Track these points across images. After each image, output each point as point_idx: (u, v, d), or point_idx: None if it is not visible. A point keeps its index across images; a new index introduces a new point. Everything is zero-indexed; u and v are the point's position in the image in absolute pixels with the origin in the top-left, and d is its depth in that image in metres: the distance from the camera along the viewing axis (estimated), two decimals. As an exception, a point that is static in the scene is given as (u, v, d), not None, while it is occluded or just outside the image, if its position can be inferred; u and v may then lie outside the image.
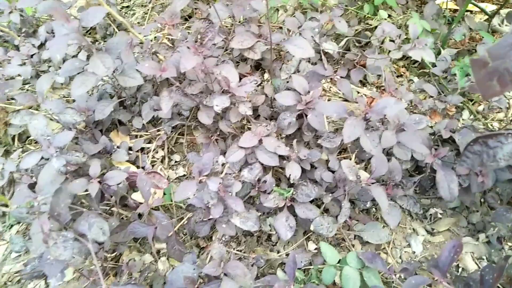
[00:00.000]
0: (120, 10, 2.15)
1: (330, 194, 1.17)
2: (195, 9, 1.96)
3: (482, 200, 1.24)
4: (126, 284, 0.94)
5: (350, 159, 1.28)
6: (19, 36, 1.79)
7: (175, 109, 1.42)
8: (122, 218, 1.24)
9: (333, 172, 1.22)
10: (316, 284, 1.05)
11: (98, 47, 1.82)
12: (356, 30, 1.77)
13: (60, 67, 1.71)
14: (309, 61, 1.55)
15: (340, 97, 1.62)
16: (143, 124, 1.43)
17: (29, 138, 1.56)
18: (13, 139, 1.55)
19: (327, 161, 1.26)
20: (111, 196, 1.16)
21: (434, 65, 1.57)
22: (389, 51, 1.39)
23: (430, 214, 1.26)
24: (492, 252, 1.15)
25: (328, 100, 1.61)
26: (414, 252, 1.19)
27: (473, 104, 1.55)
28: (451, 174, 1.05)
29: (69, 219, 0.89)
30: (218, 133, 1.34)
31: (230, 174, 1.13)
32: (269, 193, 1.14)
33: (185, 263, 0.99)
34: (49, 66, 1.73)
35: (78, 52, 1.74)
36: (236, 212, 1.03)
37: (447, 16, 1.79)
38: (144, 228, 1.06)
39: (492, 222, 1.15)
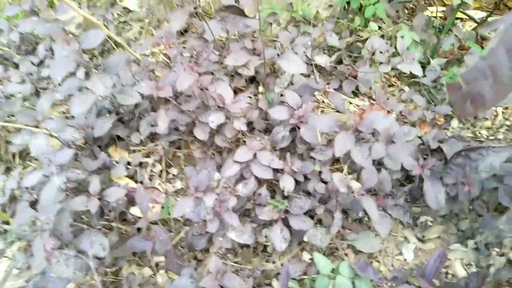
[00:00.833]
0: (117, 25, 2.20)
1: (323, 205, 1.20)
2: (191, 23, 2.01)
3: (470, 207, 1.27)
4: (127, 298, 0.97)
5: (343, 170, 1.32)
6: (18, 54, 1.83)
7: (172, 124, 1.46)
8: (122, 233, 1.28)
9: (326, 183, 1.26)
10: (310, 293, 1.08)
11: (96, 63, 1.86)
12: (348, 42, 1.82)
13: (59, 84, 1.75)
14: (302, 74, 1.60)
15: (333, 108, 1.67)
16: (141, 139, 1.47)
17: (30, 155, 1.60)
18: (13, 156, 1.59)
19: (320, 172, 1.30)
20: (111, 212, 1.20)
21: (424, 75, 1.62)
22: (380, 62, 1.44)
23: (421, 222, 1.30)
24: (480, 258, 1.19)
25: (322, 111, 1.65)
26: (405, 260, 1.23)
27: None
28: (438, 185, 1.09)
29: (71, 238, 0.93)
30: (214, 147, 1.38)
31: (226, 188, 1.17)
32: (264, 206, 1.18)
33: (183, 277, 1.03)
34: (48, 83, 1.77)
35: (76, 69, 1.78)
36: (232, 226, 1.07)
37: (437, 25, 1.83)
38: (143, 243, 1.09)
39: (480, 229, 1.19)
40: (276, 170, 1.22)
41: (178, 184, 1.47)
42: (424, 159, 1.20)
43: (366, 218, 1.31)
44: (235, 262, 1.24)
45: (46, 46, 1.86)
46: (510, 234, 1.13)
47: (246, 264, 1.24)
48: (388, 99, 1.62)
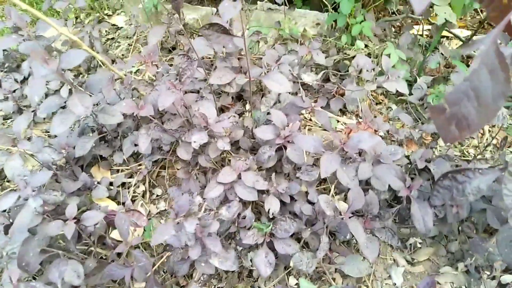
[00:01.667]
0: (105, 43, 2.18)
1: (310, 228, 1.17)
2: (178, 40, 2.00)
3: (459, 228, 1.25)
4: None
5: (330, 190, 1.29)
6: (1, 71, 1.80)
7: (155, 143, 1.43)
8: (101, 258, 1.23)
9: (313, 204, 1.23)
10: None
11: (81, 81, 1.83)
12: (335, 60, 1.82)
13: (42, 102, 1.71)
14: (290, 92, 1.58)
15: (320, 126, 1.65)
16: (124, 159, 1.43)
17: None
18: (-9, 176, 1.54)
19: (307, 193, 1.27)
20: (89, 236, 1.15)
21: (410, 93, 1.62)
22: (367, 80, 1.43)
23: (410, 244, 1.27)
24: (471, 281, 1.16)
25: (309, 129, 1.63)
26: (395, 284, 1.19)
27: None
28: (426, 207, 1.07)
29: (37, 268, 0.88)
30: (198, 167, 1.35)
31: (209, 210, 1.13)
32: (248, 229, 1.14)
33: (162, 306, 0.98)
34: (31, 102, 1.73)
35: (61, 87, 1.75)
36: (214, 252, 1.03)
37: (423, 44, 1.85)
38: (121, 270, 1.04)
39: (470, 252, 1.16)
40: (261, 191, 1.19)
41: (162, 205, 1.42)
42: (412, 179, 1.18)
43: (354, 240, 1.28)
44: (219, 288, 1.20)
45: (30, 64, 1.83)
46: (499, 256, 1.10)
47: (231, 289, 1.19)
48: (375, 117, 1.61)
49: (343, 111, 1.72)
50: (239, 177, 1.17)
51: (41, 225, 1.08)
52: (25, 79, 1.80)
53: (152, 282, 1.06)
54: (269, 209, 1.16)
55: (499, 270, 1.14)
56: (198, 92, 1.49)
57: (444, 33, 1.99)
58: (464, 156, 1.47)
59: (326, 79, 1.75)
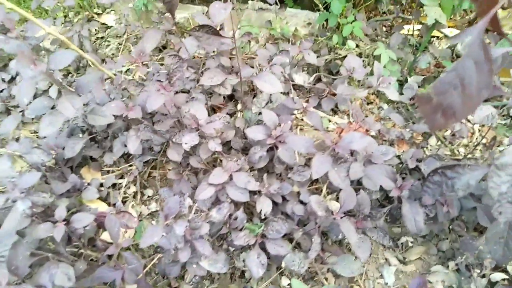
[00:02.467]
0: (95, 42, 2.16)
1: (302, 228, 1.17)
2: (169, 40, 1.98)
3: (450, 227, 1.26)
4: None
5: (322, 190, 1.29)
6: (-12, 71, 1.77)
7: (146, 144, 1.42)
8: (92, 260, 1.21)
9: (305, 204, 1.23)
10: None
11: (70, 80, 1.81)
12: (326, 59, 1.82)
13: (30, 102, 1.69)
14: (281, 92, 1.58)
15: (312, 126, 1.65)
16: (115, 160, 1.42)
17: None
18: (-21, 178, 1.51)
19: (299, 193, 1.27)
20: (79, 238, 1.14)
21: (401, 92, 1.63)
22: (358, 81, 1.43)
23: (402, 243, 1.27)
24: (462, 280, 1.17)
25: (301, 129, 1.64)
26: (386, 284, 1.20)
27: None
28: (416, 207, 1.08)
29: (27, 272, 0.86)
30: (189, 168, 1.34)
31: (200, 211, 1.13)
32: (240, 230, 1.13)
33: (153, 309, 0.97)
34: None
35: (50, 87, 1.72)
36: (204, 255, 1.02)
37: (414, 43, 1.86)
38: (112, 273, 1.03)
39: (460, 250, 1.18)
40: (253, 192, 1.18)
41: (153, 206, 1.41)
42: (403, 178, 1.19)
43: (346, 240, 1.29)
44: (211, 289, 1.19)
45: (17, 65, 1.80)
46: (489, 254, 1.11)
47: (223, 290, 1.19)
48: (367, 116, 1.62)
49: (335, 111, 1.72)
50: (231, 178, 1.17)
51: (30, 227, 1.07)
52: (12, 79, 1.77)
53: (143, 284, 1.05)
54: (261, 210, 1.15)
55: (489, 268, 1.15)
56: (188, 92, 1.47)
57: (434, 33, 2.01)
58: (454, 155, 1.48)
59: (318, 79, 1.75)
